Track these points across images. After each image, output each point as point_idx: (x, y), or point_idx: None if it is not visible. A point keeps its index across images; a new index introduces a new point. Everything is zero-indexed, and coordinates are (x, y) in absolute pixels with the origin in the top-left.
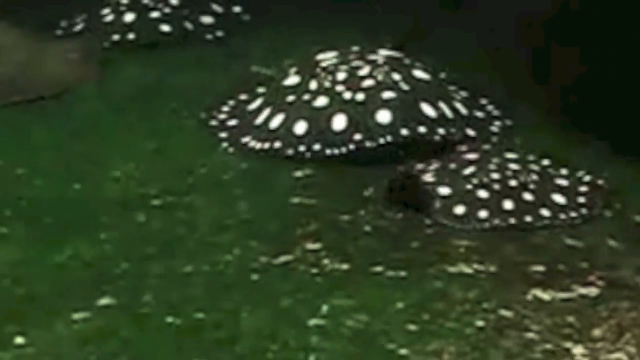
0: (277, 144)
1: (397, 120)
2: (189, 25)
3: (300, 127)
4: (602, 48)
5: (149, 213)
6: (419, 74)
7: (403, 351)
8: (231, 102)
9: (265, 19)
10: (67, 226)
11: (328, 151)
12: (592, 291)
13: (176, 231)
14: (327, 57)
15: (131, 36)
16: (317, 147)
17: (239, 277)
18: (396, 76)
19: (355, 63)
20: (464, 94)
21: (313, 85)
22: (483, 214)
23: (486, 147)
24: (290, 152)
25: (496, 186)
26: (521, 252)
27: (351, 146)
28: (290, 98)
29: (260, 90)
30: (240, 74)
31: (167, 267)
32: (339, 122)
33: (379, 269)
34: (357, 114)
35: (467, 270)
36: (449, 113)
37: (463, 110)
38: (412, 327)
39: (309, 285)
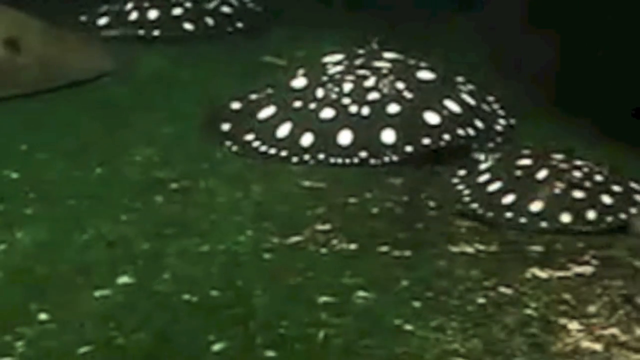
0: (283, 153)
1: (402, 139)
2: (209, 20)
3: (307, 139)
4: (606, 42)
5: (167, 196)
6: (423, 75)
7: (408, 327)
8: (241, 102)
9: (278, 12)
10: (89, 208)
11: (332, 160)
12: (587, 270)
13: (192, 213)
14: (334, 61)
15: (155, 31)
16: (321, 156)
17: (252, 256)
18: (400, 85)
19: (361, 72)
20: (470, 87)
21: (320, 93)
22: (591, 215)
23: (528, 150)
24: (294, 160)
25: (588, 184)
26: (520, 232)
27: (355, 160)
28: (297, 104)
29: (269, 91)
30: (253, 65)
31: (184, 247)
32: (345, 137)
33: (385, 248)
34: (363, 131)
35: (469, 250)
36: (456, 109)
37: (472, 102)
38: (416, 303)
39: (319, 264)
